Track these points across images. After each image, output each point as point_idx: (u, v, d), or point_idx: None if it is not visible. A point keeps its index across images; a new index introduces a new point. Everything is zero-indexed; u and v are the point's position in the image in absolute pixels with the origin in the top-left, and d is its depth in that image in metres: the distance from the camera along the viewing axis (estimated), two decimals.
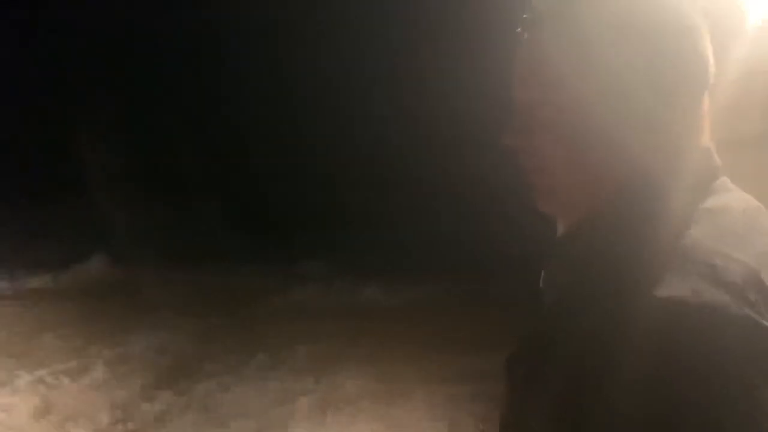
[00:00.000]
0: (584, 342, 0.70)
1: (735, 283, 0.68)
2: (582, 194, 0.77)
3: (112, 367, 5.65)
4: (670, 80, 0.73)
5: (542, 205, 0.83)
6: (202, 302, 8.37)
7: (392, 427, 4.81)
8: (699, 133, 0.80)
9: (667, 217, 0.73)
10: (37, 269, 9.25)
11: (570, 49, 0.73)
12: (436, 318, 7.43)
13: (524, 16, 0.78)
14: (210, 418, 4.74)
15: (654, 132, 0.73)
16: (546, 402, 0.74)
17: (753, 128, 1.67)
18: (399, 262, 9.96)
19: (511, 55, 0.80)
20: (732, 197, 0.78)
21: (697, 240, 0.72)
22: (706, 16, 0.79)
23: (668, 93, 0.73)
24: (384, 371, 5.69)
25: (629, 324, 0.67)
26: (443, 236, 10.91)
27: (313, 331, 6.97)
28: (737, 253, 0.71)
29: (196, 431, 4.51)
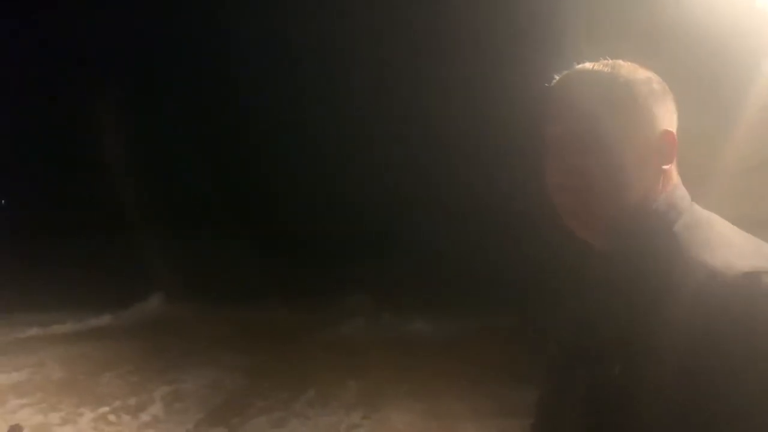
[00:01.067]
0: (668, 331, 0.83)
1: None
2: (608, 224, 0.96)
3: (168, 404, 5.82)
4: (628, 134, 0.96)
5: (584, 235, 1.00)
6: (253, 339, 8.54)
7: None
8: (669, 179, 0.99)
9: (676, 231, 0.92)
10: (99, 309, 9.64)
11: (576, 100, 0.98)
12: (484, 350, 7.37)
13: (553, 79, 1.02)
14: None
15: (641, 178, 0.96)
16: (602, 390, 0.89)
17: None
18: (446, 294, 9.98)
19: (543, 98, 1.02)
20: (702, 215, 0.97)
21: (721, 234, 0.92)
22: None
23: (633, 142, 0.96)
24: (432, 406, 5.68)
25: (701, 306, 0.81)
26: (490, 268, 10.85)
27: (361, 365, 7.02)
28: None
29: None
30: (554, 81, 1.01)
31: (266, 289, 11.26)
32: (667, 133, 0.96)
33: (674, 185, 0.98)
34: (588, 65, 1.00)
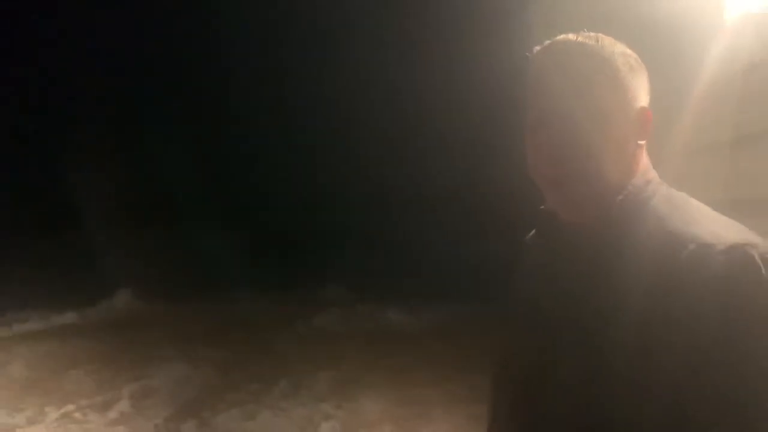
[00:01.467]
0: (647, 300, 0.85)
1: (751, 230, 0.88)
2: (589, 198, 0.96)
3: (136, 401, 5.70)
4: (608, 104, 0.95)
5: (564, 209, 1.00)
6: (225, 332, 8.44)
7: None
8: (637, 150, 0.99)
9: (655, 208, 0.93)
10: (63, 307, 9.42)
11: (560, 78, 0.97)
12: (457, 340, 7.39)
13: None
14: None
15: (621, 153, 0.97)
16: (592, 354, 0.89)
17: (747, 126, 1.68)
18: (420, 285, 9.97)
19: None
20: (674, 192, 0.99)
21: (699, 208, 0.94)
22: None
23: (612, 113, 0.95)
24: (405, 394, 5.66)
25: (692, 275, 0.83)
26: (463, 259, 10.89)
27: (334, 356, 6.98)
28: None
29: None
30: (536, 52, 0.99)
31: (240, 282, 11.14)
32: (644, 109, 0.97)
33: (647, 163, 1.00)
34: (571, 37, 0.98)
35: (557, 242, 1.01)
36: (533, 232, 1.13)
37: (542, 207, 1.05)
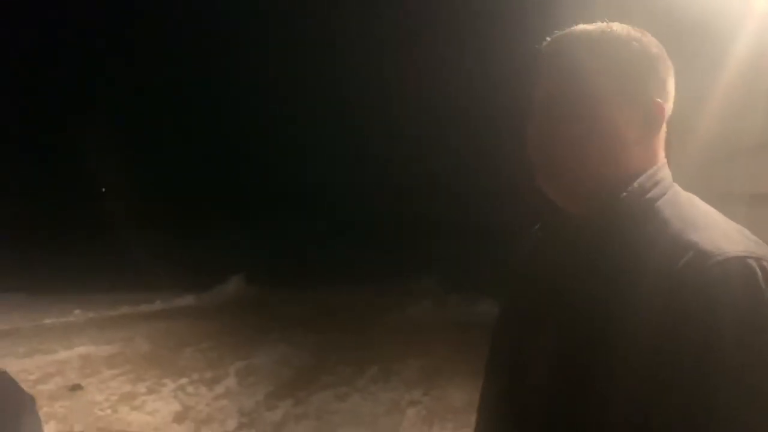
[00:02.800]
0: (631, 298, 0.84)
1: (759, 242, 0.86)
2: (585, 188, 0.94)
3: (241, 378, 6.18)
4: (625, 99, 0.93)
5: (563, 200, 0.98)
6: (323, 318, 8.86)
7: None
8: (653, 146, 0.96)
9: (659, 206, 0.91)
10: (184, 290, 10.27)
11: (568, 72, 0.94)
12: None
13: (543, 43, 0.98)
14: (324, 426, 5.06)
15: (618, 138, 0.93)
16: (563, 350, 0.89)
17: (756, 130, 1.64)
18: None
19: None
20: (683, 195, 0.95)
21: (707, 214, 0.91)
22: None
23: (626, 109, 0.92)
24: None
25: (685, 285, 0.80)
26: None
27: (425, 345, 7.16)
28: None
29: None
30: (546, 42, 0.98)
31: (339, 272, 11.60)
32: (656, 103, 0.93)
33: (661, 162, 0.96)
34: (582, 27, 0.96)
35: (557, 232, 1.01)
36: (540, 223, 1.11)
37: (545, 195, 1.02)
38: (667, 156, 0.98)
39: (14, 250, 12.45)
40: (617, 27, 0.94)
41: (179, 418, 5.18)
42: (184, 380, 6.05)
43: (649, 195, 0.91)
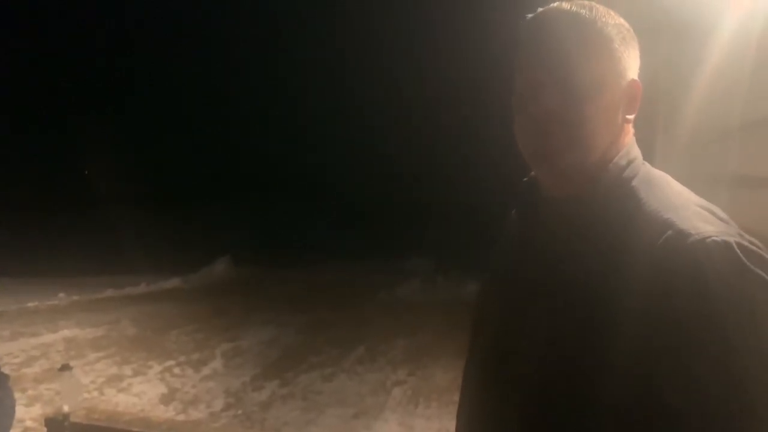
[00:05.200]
0: (611, 277, 0.85)
1: (729, 221, 0.88)
2: (576, 170, 0.94)
3: (227, 359, 6.19)
4: (598, 72, 0.92)
5: (548, 180, 0.99)
6: (311, 299, 8.88)
7: None
8: (623, 124, 0.97)
9: (638, 186, 0.92)
10: (169, 273, 10.23)
11: (548, 44, 0.94)
12: None
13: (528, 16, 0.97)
14: (310, 406, 5.08)
15: (610, 125, 0.94)
16: (556, 323, 0.90)
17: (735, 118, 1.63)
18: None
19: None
20: (655, 173, 0.97)
21: (680, 194, 0.92)
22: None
23: (598, 80, 0.92)
24: None
25: (668, 260, 0.82)
26: None
27: (412, 325, 7.20)
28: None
29: (296, 417, 4.87)
30: (529, 19, 0.97)
31: (328, 253, 11.60)
32: (634, 82, 0.94)
33: (632, 140, 0.97)
34: (563, 5, 0.95)
35: (536, 215, 1.01)
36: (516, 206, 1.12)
37: (525, 179, 1.05)
38: (655, 138, 0.97)
39: None
40: (597, 7, 0.94)
41: (166, 399, 5.19)
42: (170, 362, 6.05)
43: (624, 174, 0.93)
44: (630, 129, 0.97)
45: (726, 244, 0.81)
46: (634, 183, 0.92)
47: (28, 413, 4.55)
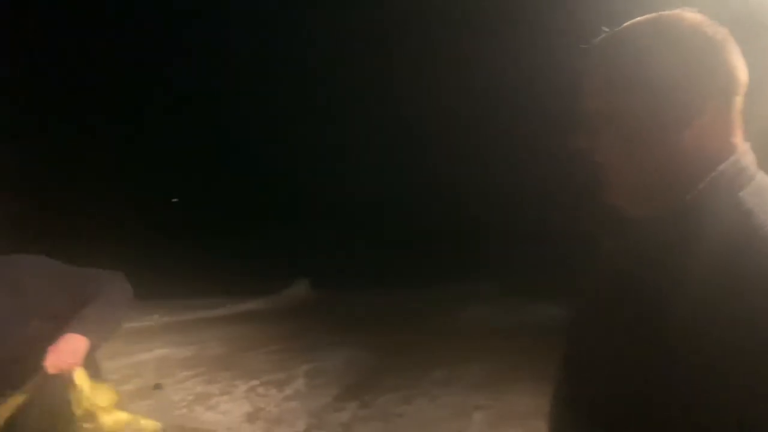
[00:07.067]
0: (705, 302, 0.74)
1: None
2: (644, 187, 0.85)
3: (309, 380, 6.11)
4: (699, 89, 0.81)
5: (608, 197, 0.89)
6: (385, 321, 8.73)
7: None
8: (731, 133, 0.85)
9: (730, 201, 0.80)
10: (253, 295, 10.37)
11: (629, 65, 0.83)
12: None
13: (595, 39, 0.88)
14: (391, 428, 4.91)
15: (690, 132, 0.82)
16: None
17: None
18: (573, 278, 9.50)
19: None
20: (764, 183, 0.84)
21: None
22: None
23: (700, 99, 0.81)
24: None
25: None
26: None
27: (486, 349, 6.92)
28: None
29: None
30: (603, 37, 0.86)
31: (400, 276, 11.47)
32: (727, 92, 0.83)
33: (742, 147, 0.85)
34: (643, 19, 0.85)
35: (621, 236, 0.91)
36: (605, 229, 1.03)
37: (606, 201, 0.94)
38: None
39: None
40: (677, 16, 0.84)
41: (251, 418, 5.15)
42: (254, 382, 6.03)
43: (732, 185, 0.81)
44: (735, 136, 0.84)
45: None
46: (743, 195, 0.80)
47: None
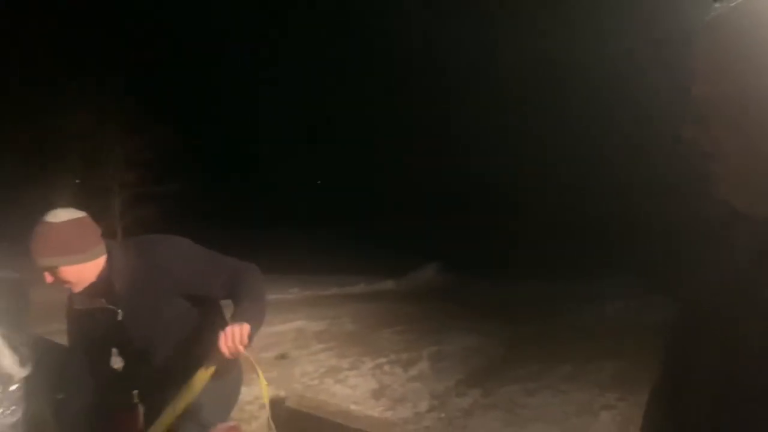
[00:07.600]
0: None
1: None
2: (758, 180, 0.74)
3: (433, 362, 6.17)
4: None
5: (717, 191, 0.79)
6: (515, 311, 8.54)
7: None
8: None
9: None
10: (384, 276, 10.64)
11: (745, 47, 0.73)
12: None
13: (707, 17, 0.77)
14: (512, 419, 4.81)
15: None
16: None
17: None
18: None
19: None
20: None
21: None
22: None
23: None
24: None
25: None
26: None
27: (620, 347, 6.53)
28: None
29: (498, 428, 4.63)
30: (716, 17, 0.75)
31: (533, 267, 11.16)
32: None
33: None
34: None
35: (737, 237, 0.81)
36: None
37: (714, 200, 0.82)
38: None
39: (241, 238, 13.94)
40: None
41: (377, 394, 5.30)
42: (382, 359, 6.20)
43: None
44: None
45: None
46: None
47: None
